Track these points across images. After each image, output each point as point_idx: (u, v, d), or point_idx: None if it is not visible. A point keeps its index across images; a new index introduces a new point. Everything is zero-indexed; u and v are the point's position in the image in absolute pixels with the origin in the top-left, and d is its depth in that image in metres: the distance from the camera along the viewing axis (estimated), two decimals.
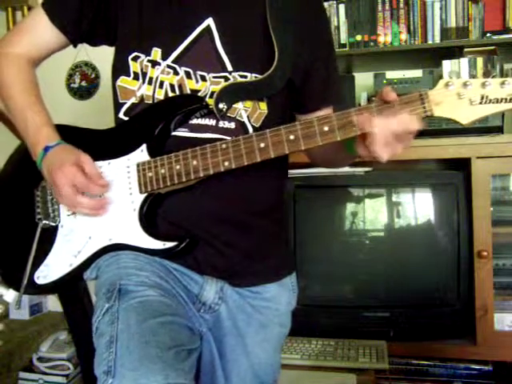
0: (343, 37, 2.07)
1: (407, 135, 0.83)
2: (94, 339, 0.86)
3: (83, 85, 2.47)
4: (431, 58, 2.07)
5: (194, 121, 0.95)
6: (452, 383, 1.86)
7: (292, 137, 0.87)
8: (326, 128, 0.86)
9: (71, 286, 1.05)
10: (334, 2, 2.07)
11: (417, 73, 1.94)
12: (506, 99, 0.80)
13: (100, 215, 0.96)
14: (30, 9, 2.44)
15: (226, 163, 0.89)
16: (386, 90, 0.83)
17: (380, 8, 2.04)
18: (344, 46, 2.07)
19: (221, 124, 0.95)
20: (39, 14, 1.02)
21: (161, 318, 0.83)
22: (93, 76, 2.45)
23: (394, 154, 0.84)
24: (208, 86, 0.96)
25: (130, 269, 0.91)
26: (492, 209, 1.79)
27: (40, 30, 1.03)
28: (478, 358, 1.82)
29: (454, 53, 2.00)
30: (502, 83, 0.80)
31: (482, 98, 0.81)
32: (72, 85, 2.48)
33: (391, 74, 1.94)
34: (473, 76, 1.87)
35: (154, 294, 0.87)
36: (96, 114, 2.31)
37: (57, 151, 0.95)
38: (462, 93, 0.82)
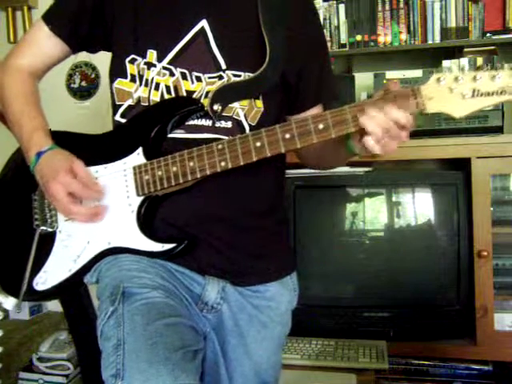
0: (343, 37, 2.07)
1: (399, 130, 0.83)
2: (99, 343, 0.86)
3: (83, 85, 2.47)
4: (431, 57, 2.07)
5: (190, 122, 0.96)
6: (452, 383, 1.86)
7: (287, 135, 0.88)
8: (320, 126, 0.86)
9: (71, 291, 1.04)
10: (334, 2, 2.07)
11: (417, 73, 1.94)
12: (497, 92, 0.81)
13: (96, 222, 0.96)
14: (30, 9, 2.45)
15: (223, 163, 0.89)
16: (390, 83, 0.85)
17: (380, 8, 2.04)
18: (344, 46, 2.07)
19: (217, 124, 0.96)
20: (40, 25, 1.05)
21: (166, 319, 0.83)
22: (93, 76, 2.45)
23: (388, 150, 0.85)
24: (203, 86, 0.96)
25: (133, 271, 0.91)
26: (492, 209, 1.78)
27: (41, 40, 1.05)
28: (478, 357, 1.82)
29: (454, 53, 2.00)
30: (493, 76, 0.80)
31: (474, 91, 0.82)
32: (72, 85, 2.48)
33: (391, 74, 1.94)
34: None
35: (158, 295, 0.87)
36: (96, 114, 2.31)
37: (49, 157, 0.95)
38: (453, 87, 0.82)
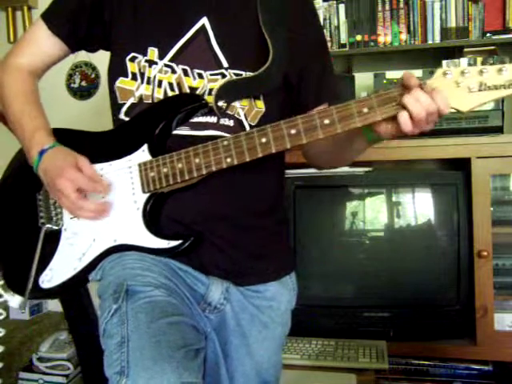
0: (343, 37, 2.07)
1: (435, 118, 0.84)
2: (101, 341, 0.86)
3: (83, 85, 2.47)
4: (431, 57, 2.07)
5: (195, 119, 0.96)
6: (452, 383, 1.86)
7: (293, 131, 0.87)
8: (326, 121, 0.86)
9: (76, 288, 1.05)
10: (334, 2, 2.07)
11: (417, 73, 1.94)
12: (504, 86, 0.80)
13: (103, 218, 0.96)
14: (30, 9, 2.45)
15: (229, 159, 0.89)
16: (407, 74, 0.83)
17: (380, 8, 2.04)
18: (344, 46, 2.07)
19: (221, 121, 0.96)
20: (39, 25, 1.05)
21: (169, 318, 0.83)
22: (93, 76, 2.45)
23: (415, 131, 0.85)
24: (205, 83, 0.96)
25: (136, 269, 0.91)
26: (492, 209, 1.79)
27: (40, 39, 1.06)
28: (478, 357, 1.82)
29: (454, 53, 2.00)
30: (500, 70, 0.80)
31: (481, 85, 0.81)
32: (72, 85, 2.48)
33: (391, 74, 1.94)
34: None
35: (161, 294, 0.87)
36: (96, 114, 2.31)
37: (52, 154, 0.96)
38: (460, 81, 0.82)
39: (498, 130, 1.80)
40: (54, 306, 2.28)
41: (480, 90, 0.81)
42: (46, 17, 1.05)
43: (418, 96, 0.81)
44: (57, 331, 2.07)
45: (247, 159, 0.89)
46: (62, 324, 2.15)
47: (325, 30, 2.07)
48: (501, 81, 0.80)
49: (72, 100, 2.48)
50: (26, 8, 2.43)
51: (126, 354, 0.78)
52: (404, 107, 0.82)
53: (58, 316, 2.20)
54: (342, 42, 2.07)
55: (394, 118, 0.85)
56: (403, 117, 0.83)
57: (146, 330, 0.80)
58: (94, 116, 2.33)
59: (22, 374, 1.89)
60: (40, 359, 1.93)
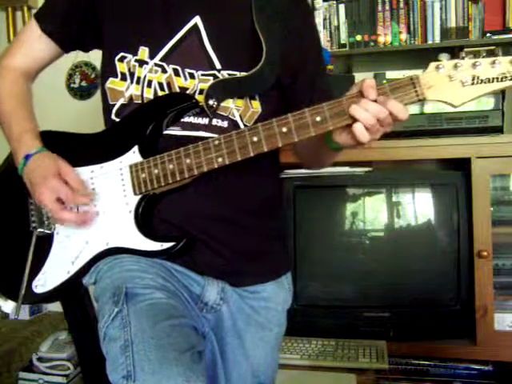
0: (343, 37, 2.07)
1: (391, 122, 0.82)
2: (102, 345, 0.84)
3: (83, 85, 2.47)
4: (431, 58, 2.06)
5: (187, 119, 0.95)
6: (452, 383, 1.86)
7: (285, 129, 0.86)
8: (318, 118, 0.85)
9: (71, 292, 1.04)
10: (334, 2, 2.07)
11: (417, 73, 1.94)
12: (497, 78, 0.80)
13: (87, 227, 0.95)
14: (30, 9, 2.45)
15: (220, 159, 0.89)
16: (368, 83, 0.82)
17: (380, 8, 2.04)
18: (344, 46, 2.07)
19: (214, 122, 0.95)
20: (32, 25, 1.05)
21: (171, 320, 0.82)
22: (93, 76, 2.45)
23: (373, 138, 0.83)
24: (196, 83, 0.95)
25: (134, 272, 0.90)
26: (492, 209, 1.78)
27: (33, 40, 1.05)
28: (478, 357, 1.81)
29: (454, 53, 2.00)
30: (493, 63, 0.79)
31: (474, 78, 0.81)
32: (72, 85, 2.48)
33: (391, 74, 1.94)
34: None
35: (161, 296, 0.86)
36: (96, 114, 2.30)
37: (37, 160, 0.95)
38: (452, 75, 0.81)
39: (498, 130, 1.79)
40: (54, 305, 2.28)
41: (473, 84, 0.81)
42: (39, 17, 1.04)
43: (365, 105, 0.80)
44: (57, 331, 2.07)
45: (239, 158, 0.88)
46: (61, 324, 2.15)
47: (325, 30, 2.08)
48: (494, 74, 0.80)
49: (72, 100, 2.48)
50: (25, 8, 2.44)
51: (132, 358, 0.77)
52: (353, 118, 0.82)
53: (58, 316, 2.20)
54: (342, 42, 2.07)
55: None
56: (358, 127, 0.81)
57: (150, 333, 0.79)
58: (94, 116, 2.31)
59: (22, 374, 1.89)
60: (40, 359, 1.92)
